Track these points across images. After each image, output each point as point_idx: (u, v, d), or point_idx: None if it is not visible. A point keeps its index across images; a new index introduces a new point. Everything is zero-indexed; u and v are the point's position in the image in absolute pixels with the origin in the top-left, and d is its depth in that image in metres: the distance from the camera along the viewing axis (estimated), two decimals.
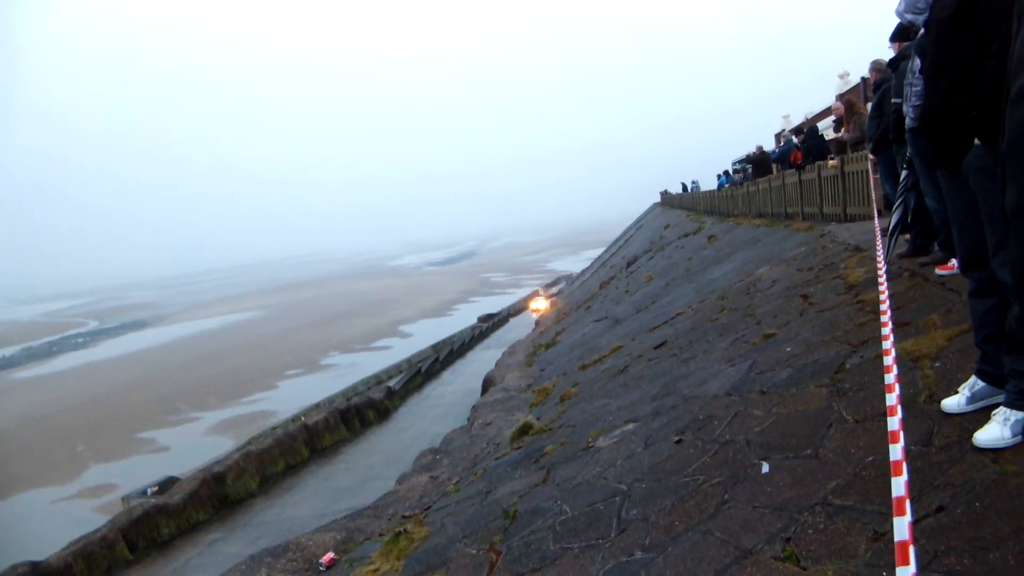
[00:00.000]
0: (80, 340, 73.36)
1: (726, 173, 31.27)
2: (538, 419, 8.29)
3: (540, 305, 42.51)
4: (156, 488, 17.60)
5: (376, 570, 5.07)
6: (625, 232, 60.57)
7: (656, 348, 9.13)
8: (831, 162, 13.08)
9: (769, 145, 26.36)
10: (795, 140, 19.34)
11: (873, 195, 9.94)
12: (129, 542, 12.44)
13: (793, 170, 16.33)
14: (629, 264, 29.89)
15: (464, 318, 49.85)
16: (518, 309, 48.90)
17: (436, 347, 37.84)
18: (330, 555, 6.42)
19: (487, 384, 18.13)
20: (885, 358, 3.10)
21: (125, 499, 17.83)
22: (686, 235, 25.54)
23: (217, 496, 14.77)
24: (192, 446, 25.01)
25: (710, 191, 33.68)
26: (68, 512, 19.37)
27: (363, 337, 47.81)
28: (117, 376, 45.28)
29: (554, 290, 56.49)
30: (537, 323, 30.73)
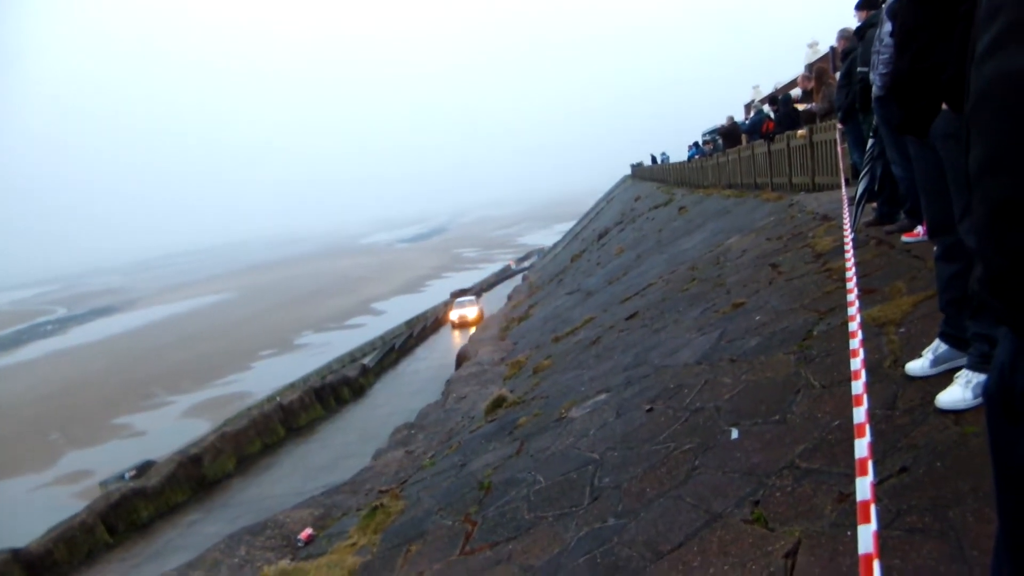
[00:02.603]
0: (49, 328, 72.10)
1: (696, 144, 31.36)
2: (512, 392, 8.34)
3: (464, 314, 39.58)
4: (134, 472, 17.50)
5: (354, 544, 5.09)
6: (596, 205, 60.67)
7: (628, 319, 9.21)
8: (799, 132, 13.19)
9: (739, 116, 26.47)
10: (766, 110, 19.45)
11: (841, 164, 10.05)
12: (109, 526, 12.39)
13: (763, 140, 16.44)
14: (600, 237, 29.97)
15: (437, 294, 49.80)
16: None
17: (410, 323, 38.19)
18: (308, 531, 6.44)
19: (461, 358, 18.18)
20: (850, 324, 3.16)
21: (103, 484, 17.70)
22: (656, 207, 25.66)
23: (195, 478, 14.72)
24: (168, 430, 24.80)
25: (680, 163, 33.78)
26: (46, 499, 19.18)
27: (336, 316, 47.56)
28: (89, 363, 44.63)
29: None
30: (511, 296, 30.90)
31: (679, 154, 36.33)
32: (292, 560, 5.43)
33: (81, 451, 24.84)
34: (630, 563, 3.33)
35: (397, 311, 45.37)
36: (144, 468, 17.10)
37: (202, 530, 11.42)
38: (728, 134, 23.23)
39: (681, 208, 20.63)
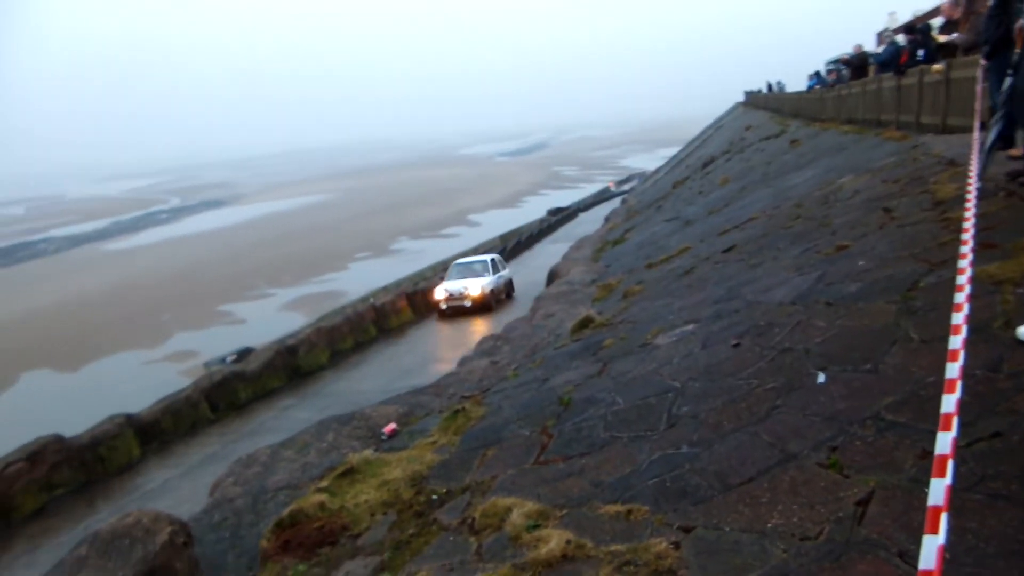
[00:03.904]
0: (163, 216, 76.35)
1: (817, 74, 29.40)
2: (599, 313, 8.40)
3: (459, 291, 20.62)
4: (235, 357, 18.61)
5: (434, 443, 5.38)
6: (704, 132, 58.46)
7: (724, 252, 9.01)
8: (935, 66, 12.16)
9: (870, 45, 24.54)
10: (901, 40, 17.94)
11: (978, 106, 9.26)
12: (211, 403, 13.41)
13: (892, 74, 15.24)
14: (705, 165, 29.01)
15: (533, 210, 49.67)
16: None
17: (504, 237, 37.83)
18: (392, 426, 6.82)
19: (552, 277, 18.31)
20: (959, 277, 3.01)
21: (207, 365, 18.97)
22: (767, 138, 24.50)
23: (290, 367, 15.65)
24: (267, 320, 26.25)
25: (798, 93, 31.86)
26: (156, 374, 20.81)
27: (432, 224, 48.32)
28: (198, 251, 47.21)
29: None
30: (608, 219, 30.47)
31: (797, 84, 34.23)
32: (375, 451, 5.80)
33: (188, 333, 26.63)
34: (698, 491, 3.40)
35: (492, 224, 45.47)
36: (244, 354, 18.17)
37: (294, 415, 12.20)
38: (855, 65, 21.64)
39: (794, 141, 19.63)
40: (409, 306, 21.66)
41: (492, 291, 21.44)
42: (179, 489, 9.25)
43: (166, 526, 5.03)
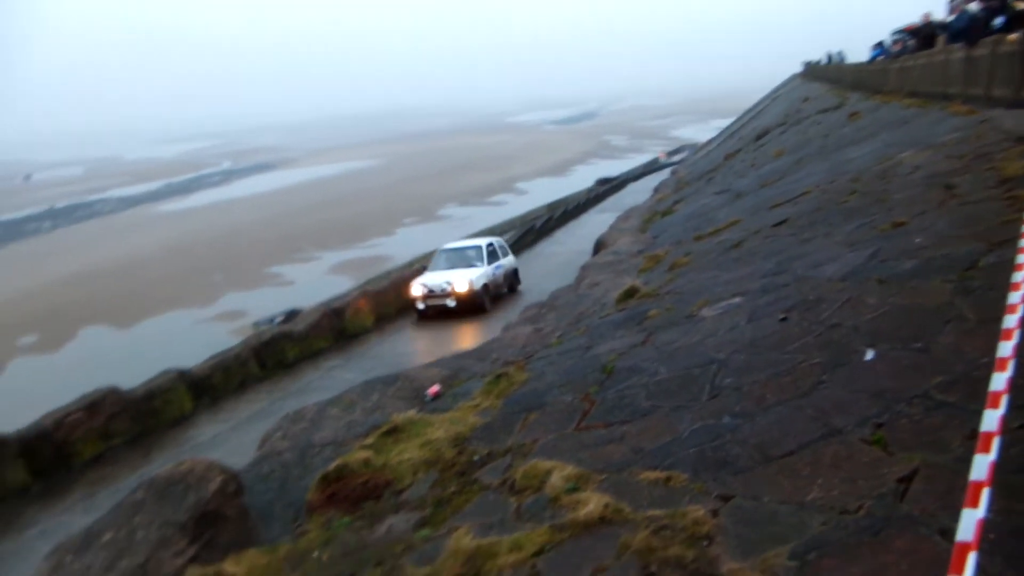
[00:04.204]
0: (214, 179, 77.75)
1: (881, 44, 28.29)
2: (645, 284, 8.37)
3: (442, 287, 16.29)
4: (283, 317, 18.97)
5: (477, 405, 5.47)
6: (759, 103, 57.01)
7: (775, 226, 8.85)
8: (1011, 36, 11.61)
9: (940, 14, 23.49)
10: (973, 8, 17.13)
11: None
12: (259, 361, 13.76)
13: (962, 45, 14.59)
14: (759, 137, 28.33)
15: (581, 180, 49.26)
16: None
17: (551, 206, 37.65)
18: (436, 388, 6.94)
19: (598, 246, 18.20)
20: (1019, 256, 2.93)
21: (255, 325, 19.38)
22: (825, 110, 23.79)
23: (336, 329, 15.93)
24: (314, 282, 26.69)
25: (859, 64, 30.76)
26: (206, 332, 21.40)
27: (479, 191, 48.30)
28: (248, 213, 48.06)
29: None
30: (657, 190, 30.01)
31: (859, 55, 33.04)
32: (419, 411, 5.93)
33: (237, 293, 27.26)
34: (738, 461, 3.41)
35: (539, 193, 45.19)
36: (291, 315, 18.48)
37: (340, 375, 12.46)
38: (922, 34, 20.77)
39: (853, 114, 19.02)
40: None
41: (485, 286, 16.74)
42: (228, 442, 9.58)
43: (218, 475, 5.24)
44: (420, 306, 16.50)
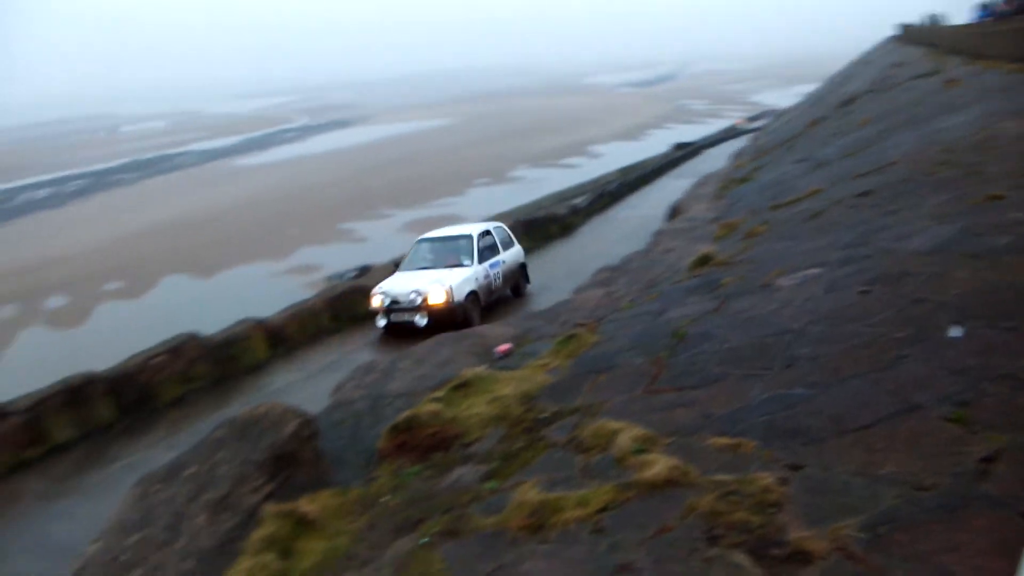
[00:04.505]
0: (290, 135, 79.37)
1: (985, 6, 26.56)
2: (720, 252, 8.22)
3: (412, 294, 11.96)
4: (355, 272, 19.38)
5: (546, 365, 5.54)
6: (846, 68, 54.41)
7: (858, 196, 8.54)
8: None
9: None
10: None
11: None
12: (332, 314, 14.14)
13: None
14: (844, 104, 27.11)
15: (657, 144, 48.22)
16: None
17: (625, 170, 37.05)
18: (505, 346, 7.04)
19: (673, 212, 17.92)
20: None
21: (328, 279, 19.90)
22: (918, 76, 22.55)
23: None
24: (386, 239, 27.11)
25: (960, 25, 28.98)
26: (280, 284, 22.02)
27: (552, 153, 47.90)
28: (323, 170, 48.98)
29: (754, 123, 51.36)
30: (735, 156, 29.21)
31: (963, 16, 31.08)
32: (488, 368, 6.03)
33: (311, 248, 27.93)
34: (810, 432, 3.37)
35: (613, 156, 44.51)
36: (363, 271, 18.83)
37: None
38: None
39: (949, 80, 17.98)
40: (525, 234, 21.76)
41: (473, 294, 12.38)
42: (303, 390, 9.93)
43: (294, 418, 5.47)
44: (380, 322, 12.41)
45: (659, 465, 3.44)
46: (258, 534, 4.32)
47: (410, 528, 3.90)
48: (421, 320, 11.78)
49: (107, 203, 44.96)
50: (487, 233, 13.91)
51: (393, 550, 3.75)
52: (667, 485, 3.29)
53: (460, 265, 12.83)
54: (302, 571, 3.93)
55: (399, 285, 12.53)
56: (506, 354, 6.79)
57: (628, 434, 3.82)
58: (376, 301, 12.42)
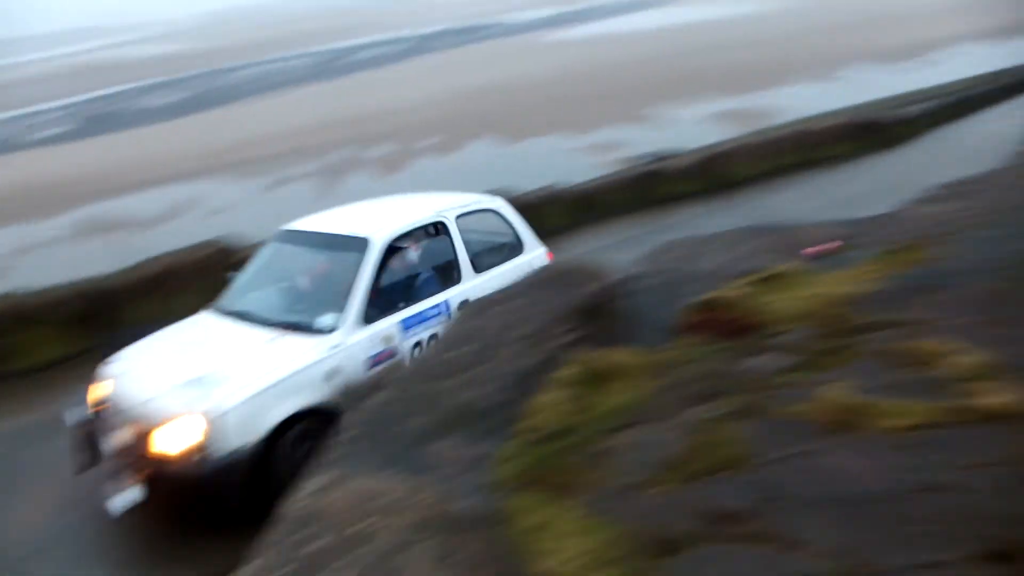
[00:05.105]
0: (605, 11, 78.20)
1: None
2: None
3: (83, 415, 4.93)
4: (656, 157, 19.26)
5: (871, 271, 5.17)
6: None
7: None
8: None
9: None
10: None
11: None
12: (633, 192, 14.42)
13: None
14: None
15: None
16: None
17: (982, 78, 31.19)
18: (816, 248, 6.62)
19: None
20: None
21: (628, 160, 20.08)
22: None
23: (708, 174, 15.88)
24: (690, 128, 26.34)
25: None
26: (580, 159, 22.56)
27: (885, 54, 41.72)
28: (631, 50, 48.03)
29: None
30: None
31: None
32: (802, 264, 5.77)
33: (613, 127, 27.95)
34: None
35: (960, 64, 37.82)
36: (663, 156, 18.66)
37: (707, 221, 12.48)
38: None
39: None
40: (848, 137, 19.77)
41: (297, 420, 5.05)
42: (603, 259, 10.37)
43: (600, 278, 5.85)
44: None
45: (998, 394, 3.17)
46: (559, 374, 4.76)
47: (703, 400, 4.04)
48: (125, 496, 4.74)
49: (425, 65, 49.24)
50: (441, 224, 6.54)
51: (686, 415, 3.94)
52: (1005, 417, 3.03)
53: (309, 329, 5.51)
54: (599, 414, 4.28)
55: (141, 370, 5.48)
56: (819, 255, 6.42)
57: (963, 357, 3.54)
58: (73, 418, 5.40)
